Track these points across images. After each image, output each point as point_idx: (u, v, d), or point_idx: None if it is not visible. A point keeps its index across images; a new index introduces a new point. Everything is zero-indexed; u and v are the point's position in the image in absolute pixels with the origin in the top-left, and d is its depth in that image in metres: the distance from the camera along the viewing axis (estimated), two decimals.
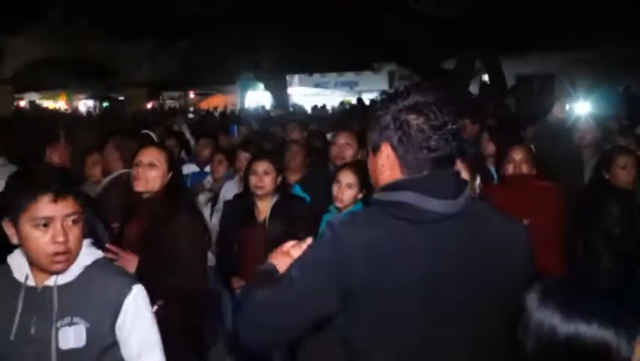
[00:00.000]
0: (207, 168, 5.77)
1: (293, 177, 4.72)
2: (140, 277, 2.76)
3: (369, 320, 1.61)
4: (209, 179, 5.51)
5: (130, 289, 2.00)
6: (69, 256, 1.90)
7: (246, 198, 3.87)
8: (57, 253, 1.86)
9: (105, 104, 27.47)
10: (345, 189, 3.49)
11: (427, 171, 1.64)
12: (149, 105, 25.17)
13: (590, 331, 1.36)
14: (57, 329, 1.89)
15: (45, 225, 1.84)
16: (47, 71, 21.16)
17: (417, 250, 1.60)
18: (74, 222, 1.89)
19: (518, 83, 18.30)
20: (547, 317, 1.42)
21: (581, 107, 6.39)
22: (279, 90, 17.60)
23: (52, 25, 18.18)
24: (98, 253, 2.07)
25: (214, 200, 5.00)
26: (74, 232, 1.90)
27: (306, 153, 4.94)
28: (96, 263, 2.02)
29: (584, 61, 16.67)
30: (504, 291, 1.61)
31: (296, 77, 25.47)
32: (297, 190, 4.31)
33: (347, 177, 3.51)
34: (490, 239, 1.68)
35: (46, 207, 1.83)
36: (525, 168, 3.93)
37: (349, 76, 25.47)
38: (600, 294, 1.48)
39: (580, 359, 1.38)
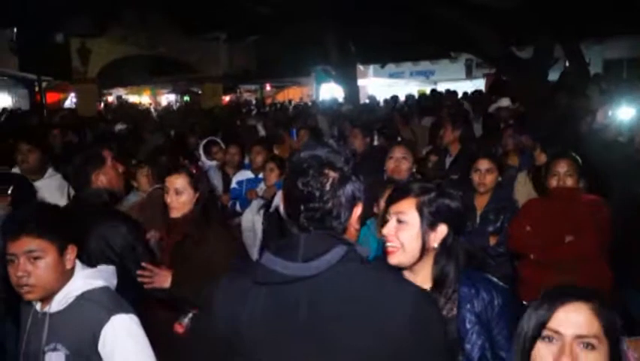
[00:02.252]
0: (262, 175, 5.86)
1: None
2: (171, 292, 3.01)
3: None
4: (262, 186, 5.58)
5: (108, 319, 2.11)
6: (33, 288, 2.10)
7: None
8: (19, 285, 2.09)
9: (185, 98, 28.40)
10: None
11: (296, 232, 1.67)
12: (227, 98, 25.80)
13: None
14: (44, 353, 2.11)
15: (12, 261, 2.10)
16: (131, 69, 22.09)
17: (260, 311, 1.64)
18: (36, 258, 2.08)
19: (605, 69, 17.37)
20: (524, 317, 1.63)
21: (625, 112, 6.02)
22: (348, 83, 17.52)
23: (130, 25, 19.02)
24: (94, 284, 2.22)
25: (266, 207, 5.07)
26: (37, 267, 2.08)
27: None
28: (88, 293, 2.19)
29: None
30: None
31: (370, 68, 25.26)
32: None
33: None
34: (349, 304, 1.58)
35: (9, 245, 2.09)
36: (570, 182, 3.80)
37: (425, 65, 24.97)
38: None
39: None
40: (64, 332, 2.12)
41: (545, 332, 1.54)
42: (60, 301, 2.16)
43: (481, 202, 4.19)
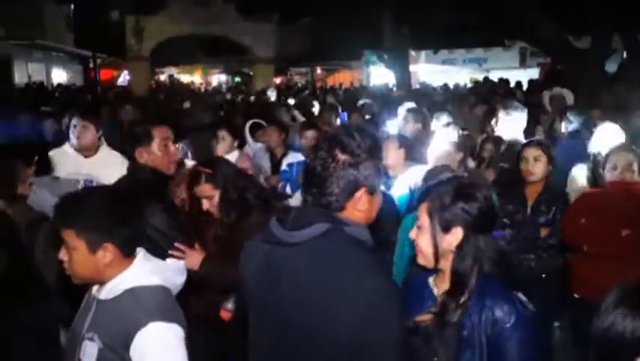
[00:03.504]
0: (289, 158, 5.89)
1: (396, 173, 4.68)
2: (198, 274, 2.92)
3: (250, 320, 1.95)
4: None
5: (145, 324, 1.99)
6: (72, 274, 2.10)
7: None
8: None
9: (237, 79, 28.66)
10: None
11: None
12: (278, 80, 25.92)
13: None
14: (82, 339, 2.06)
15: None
16: (183, 47, 22.40)
17: (256, 268, 1.88)
18: (72, 248, 2.04)
19: None
20: (618, 320, 1.47)
21: None
22: (400, 68, 17.37)
23: (184, 4, 19.23)
24: (147, 281, 2.12)
25: None
26: (71, 258, 2.05)
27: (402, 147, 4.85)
28: (138, 290, 2.09)
29: None
30: (321, 338, 1.69)
31: (422, 54, 24.98)
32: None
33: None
34: (317, 280, 1.72)
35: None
36: (628, 175, 3.71)
37: (478, 52, 24.55)
38: None
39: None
40: (104, 324, 2.05)
41: None
42: (110, 289, 2.09)
43: (532, 192, 4.11)
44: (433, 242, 2.06)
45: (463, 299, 2.02)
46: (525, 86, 14.65)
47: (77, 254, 2.03)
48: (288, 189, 5.73)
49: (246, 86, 23.42)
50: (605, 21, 12.59)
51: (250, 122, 6.95)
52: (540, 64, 19.76)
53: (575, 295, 3.82)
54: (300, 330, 1.73)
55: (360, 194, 1.80)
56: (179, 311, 2.14)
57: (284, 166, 5.93)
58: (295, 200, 5.30)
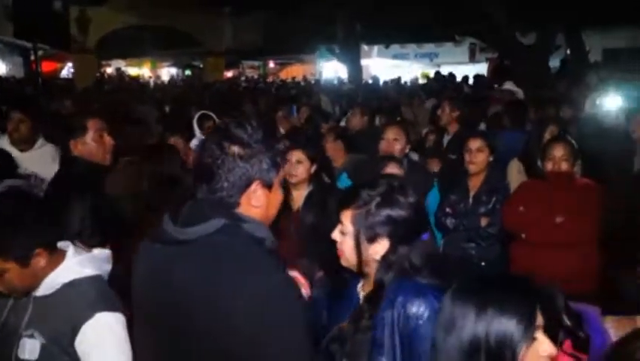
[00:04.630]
0: None
1: (335, 164, 4.78)
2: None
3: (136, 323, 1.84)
4: None
5: (91, 316, 1.98)
6: (9, 291, 2.05)
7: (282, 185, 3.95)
8: None
9: (187, 72, 28.25)
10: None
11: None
12: (229, 74, 25.68)
13: (494, 323, 1.46)
14: (20, 337, 2.02)
15: None
16: (131, 40, 21.89)
17: (144, 267, 1.76)
18: (4, 271, 1.98)
19: (604, 58, 17.36)
20: (458, 313, 1.52)
21: (612, 101, 6.08)
22: (352, 62, 17.46)
23: None
24: (84, 272, 2.10)
25: None
26: (7, 278, 1.99)
27: (339, 139, 4.94)
28: (77, 282, 2.07)
29: None
30: (206, 336, 1.59)
31: (375, 49, 25.14)
32: (344, 178, 4.34)
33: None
34: (209, 280, 1.60)
35: None
36: (564, 166, 3.83)
37: (429, 47, 24.86)
38: (503, 286, 1.56)
39: (482, 352, 1.47)
40: (45, 320, 2.02)
41: None
42: (47, 285, 2.06)
43: (475, 183, 4.22)
44: (356, 251, 1.94)
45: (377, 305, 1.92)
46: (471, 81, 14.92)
47: (11, 274, 1.99)
48: None
49: (198, 79, 23.10)
50: (550, 18, 12.93)
51: (199, 113, 6.87)
52: (489, 59, 20.11)
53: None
54: (191, 333, 1.61)
55: (254, 188, 1.69)
56: (118, 298, 2.13)
57: None
58: None
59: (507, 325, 1.47)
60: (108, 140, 3.26)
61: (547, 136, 4.62)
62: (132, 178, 3.62)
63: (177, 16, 20.43)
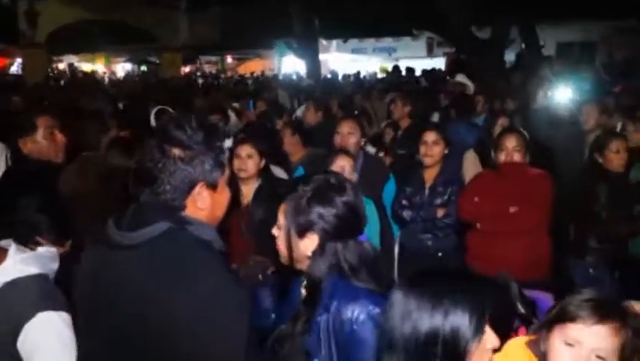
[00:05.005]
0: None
1: (293, 158, 4.77)
2: None
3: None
4: (226, 156, 5.41)
5: (33, 315, 1.94)
6: None
7: (231, 182, 3.92)
8: None
9: (143, 68, 27.75)
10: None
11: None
12: (187, 69, 25.35)
13: (450, 316, 1.47)
14: None
15: None
16: (84, 34, 21.33)
17: (94, 270, 1.70)
18: None
19: (558, 52, 17.78)
20: (413, 306, 1.51)
21: (562, 93, 6.26)
22: (310, 57, 17.44)
23: None
24: (27, 270, 2.05)
25: None
26: None
27: (296, 133, 4.94)
28: (19, 281, 2.02)
29: (624, 29, 16.04)
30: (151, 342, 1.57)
31: (334, 43, 25.18)
32: (300, 172, 4.32)
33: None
34: (153, 286, 1.57)
35: None
36: (517, 156, 3.89)
37: (387, 42, 25.03)
38: (452, 280, 1.57)
39: (439, 344, 1.48)
40: None
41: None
42: None
43: (430, 175, 4.26)
44: (287, 245, 1.92)
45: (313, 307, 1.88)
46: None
47: None
48: None
49: (154, 75, 22.71)
50: (504, 12, 13.15)
51: (156, 108, 6.75)
52: (446, 53, 20.37)
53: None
54: (135, 341, 1.58)
55: (198, 190, 1.66)
56: (63, 297, 2.08)
57: None
58: None
59: (461, 318, 1.47)
60: (60, 137, 3.22)
61: (497, 129, 4.72)
62: (88, 174, 3.55)
63: (131, 11, 20.02)
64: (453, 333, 1.47)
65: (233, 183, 3.84)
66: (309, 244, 1.89)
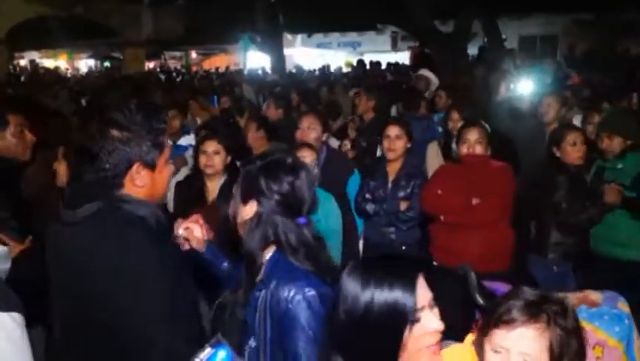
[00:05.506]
0: (181, 141, 5.59)
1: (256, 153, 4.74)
2: None
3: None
4: (190, 152, 5.08)
5: None
6: None
7: (196, 179, 3.89)
8: None
9: (106, 64, 27.28)
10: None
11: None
12: (151, 65, 25.03)
13: (382, 294, 1.49)
14: None
15: None
16: (46, 30, 20.86)
17: (53, 247, 1.97)
18: None
19: (520, 45, 18.06)
20: (350, 288, 1.53)
21: (524, 85, 6.36)
22: (274, 52, 17.37)
23: None
24: None
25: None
26: None
27: (261, 128, 4.92)
28: None
29: (585, 23, 16.37)
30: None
31: (299, 38, 25.14)
32: None
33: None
34: (93, 258, 1.83)
35: None
36: (478, 149, 3.92)
37: (352, 36, 25.10)
38: (388, 260, 1.61)
39: (379, 320, 1.49)
40: None
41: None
42: None
43: (393, 168, 4.27)
44: (233, 210, 2.02)
45: (258, 278, 1.97)
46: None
47: None
48: None
49: (118, 70, 22.35)
50: (467, 6, 13.28)
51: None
52: (410, 47, 20.51)
53: (434, 263, 4.00)
54: (85, 306, 1.81)
55: (136, 169, 1.82)
56: (15, 297, 1.95)
57: None
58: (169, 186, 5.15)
59: (396, 296, 1.49)
60: (30, 137, 3.16)
61: (450, 123, 4.76)
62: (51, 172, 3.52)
63: (94, 6, 19.67)
64: (388, 311, 1.49)
65: (199, 179, 3.84)
66: (249, 210, 1.97)
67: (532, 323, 1.61)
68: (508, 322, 1.62)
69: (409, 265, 1.57)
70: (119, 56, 24.95)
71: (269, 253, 1.96)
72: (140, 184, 1.82)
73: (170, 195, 5.01)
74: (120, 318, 1.80)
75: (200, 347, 1.92)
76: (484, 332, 1.71)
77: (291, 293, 1.84)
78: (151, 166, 1.83)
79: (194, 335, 2.00)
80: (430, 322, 1.52)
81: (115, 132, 1.78)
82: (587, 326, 2.01)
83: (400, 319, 1.49)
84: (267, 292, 1.88)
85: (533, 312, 1.62)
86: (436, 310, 1.54)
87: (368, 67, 15.73)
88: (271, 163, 2.00)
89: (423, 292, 1.52)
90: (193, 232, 2.35)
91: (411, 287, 1.49)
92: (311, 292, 1.84)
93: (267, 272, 1.93)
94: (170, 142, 2.04)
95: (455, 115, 5.04)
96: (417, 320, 1.50)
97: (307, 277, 1.88)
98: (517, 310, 1.63)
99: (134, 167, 1.80)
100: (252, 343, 1.92)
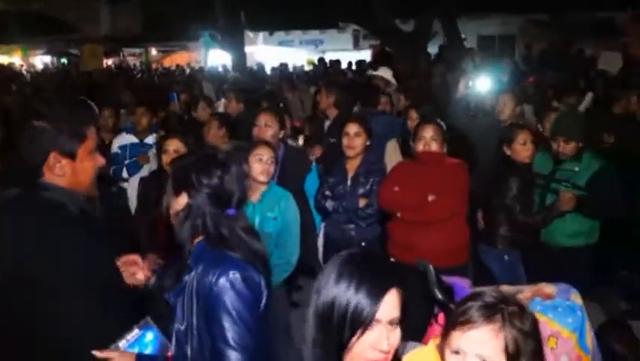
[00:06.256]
0: (148, 139, 5.60)
1: None
2: None
3: None
4: (154, 150, 5.19)
5: None
6: None
7: (161, 176, 3.86)
8: None
9: (63, 60, 26.64)
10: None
11: None
12: (109, 62, 24.57)
13: (348, 292, 1.52)
14: None
15: None
16: (0, 26, 20.30)
17: None
18: None
19: (479, 44, 18.34)
20: (326, 273, 1.59)
21: (482, 83, 6.47)
22: (235, 50, 17.24)
23: None
24: None
25: None
26: None
27: (223, 127, 4.90)
28: None
29: (540, 23, 16.73)
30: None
31: (260, 35, 24.98)
32: None
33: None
34: (9, 242, 1.95)
35: None
36: (434, 146, 3.97)
37: (314, 34, 25.06)
38: (358, 260, 1.61)
39: (341, 317, 1.52)
40: None
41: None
42: None
43: (353, 165, 4.30)
44: (166, 201, 2.14)
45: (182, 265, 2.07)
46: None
47: None
48: (125, 173, 5.45)
49: (75, 67, 21.85)
50: (427, 6, 13.44)
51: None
52: (372, 46, 20.60)
53: (392, 259, 4.03)
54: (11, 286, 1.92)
55: (53, 158, 1.92)
56: None
57: (115, 149, 5.58)
58: (132, 183, 5.17)
59: (358, 299, 1.51)
60: None
61: (409, 122, 4.87)
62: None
63: (49, 1, 19.20)
64: (351, 312, 1.51)
65: (164, 177, 3.81)
66: (181, 202, 2.07)
67: (487, 324, 1.61)
68: (464, 323, 1.63)
69: (391, 277, 1.57)
70: (77, 52, 24.42)
71: (198, 241, 2.07)
72: (60, 173, 1.90)
73: (132, 192, 5.02)
74: (37, 301, 1.93)
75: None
76: (444, 334, 1.71)
77: (216, 276, 1.93)
78: (70, 156, 1.91)
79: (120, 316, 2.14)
80: (379, 339, 1.52)
81: (37, 123, 1.87)
82: (541, 317, 2.06)
83: (354, 321, 1.50)
84: (193, 276, 1.98)
85: (489, 313, 1.62)
86: (396, 332, 1.55)
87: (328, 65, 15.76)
88: (202, 158, 2.12)
89: (388, 309, 1.53)
90: (135, 275, 2.42)
91: (376, 297, 1.51)
92: (236, 275, 1.94)
93: (195, 258, 2.02)
94: (94, 131, 2.11)
95: (414, 114, 5.11)
96: (368, 329, 1.51)
97: (233, 261, 1.98)
98: (474, 312, 1.63)
99: (51, 156, 1.88)
100: (180, 326, 2.01)
